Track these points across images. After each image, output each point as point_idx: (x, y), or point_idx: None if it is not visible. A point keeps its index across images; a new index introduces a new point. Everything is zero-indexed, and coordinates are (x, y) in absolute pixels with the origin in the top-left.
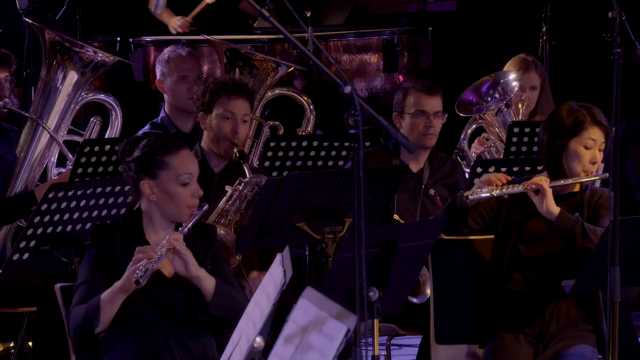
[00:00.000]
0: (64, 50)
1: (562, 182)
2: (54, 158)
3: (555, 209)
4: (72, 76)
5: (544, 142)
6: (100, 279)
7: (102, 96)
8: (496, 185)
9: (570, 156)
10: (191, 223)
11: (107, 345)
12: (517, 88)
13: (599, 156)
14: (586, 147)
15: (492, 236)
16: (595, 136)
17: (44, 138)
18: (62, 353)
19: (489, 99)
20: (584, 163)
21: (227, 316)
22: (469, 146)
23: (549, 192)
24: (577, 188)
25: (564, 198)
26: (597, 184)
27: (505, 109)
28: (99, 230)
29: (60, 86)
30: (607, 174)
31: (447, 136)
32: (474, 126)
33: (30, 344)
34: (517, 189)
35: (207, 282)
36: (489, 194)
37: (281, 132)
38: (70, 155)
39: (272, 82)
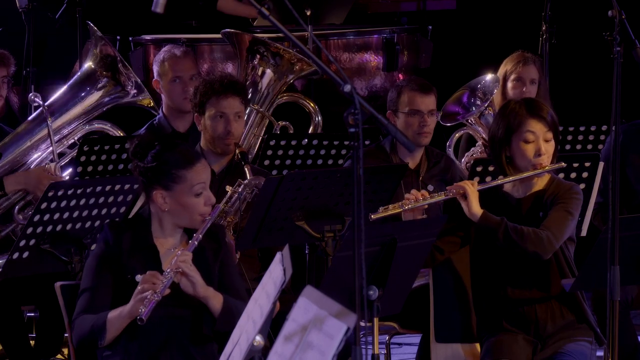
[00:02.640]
0: (115, 68)
1: (491, 183)
2: (45, 155)
3: (478, 211)
4: (100, 95)
5: (488, 139)
6: (105, 285)
7: (109, 127)
8: (410, 200)
9: (514, 153)
10: (201, 233)
11: (109, 346)
12: (496, 89)
13: (546, 147)
14: (527, 142)
15: None
16: (534, 128)
17: (41, 133)
18: (33, 350)
19: (473, 109)
20: (529, 157)
21: (232, 330)
22: (455, 153)
23: (473, 194)
24: (543, 185)
25: (530, 198)
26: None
27: (487, 111)
28: (106, 229)
29: (90, 95)
30: (563, 163)
31: (446, 134)
32: (460, 132)
33: (32, 342)
34: (438, 197)
35: (215, 301)
36: (397, 210)
37: (291, 132)
38: (57, 157)
39: (291, 80)
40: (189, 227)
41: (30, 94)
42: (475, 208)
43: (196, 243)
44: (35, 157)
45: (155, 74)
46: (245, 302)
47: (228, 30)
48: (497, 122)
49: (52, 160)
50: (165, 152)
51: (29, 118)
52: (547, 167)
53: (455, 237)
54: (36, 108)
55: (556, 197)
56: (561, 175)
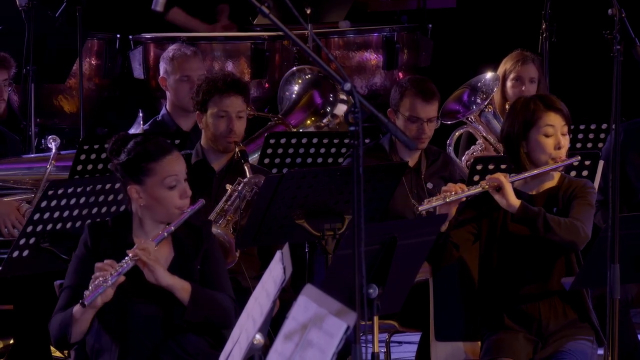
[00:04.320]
0: None
1: (524, 175)
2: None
3: (516, 202)
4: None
5: (502, 137)
6: (83, 285)
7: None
8: (451, 192)
9: (533, 148)
10: (174, 226)
11: (97, 349)
12: (497, 87)
13: (564, 140)
14: (546, 135)
15: None
16: (553, 122)
17: (37, 175)
18: (43, 349)
19: (473, 107)
20: (549, 151)
21: (209, 319)
22: (455, 152)
23: (508, 186)
24: (555, 182)
25: (542, 194)
26: (596, 179)
27: (487, 109)
28: (86, 231)
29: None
30: (579, 157)
31: (446, 133)
32: (460, 131)
33: None
34: (476, 190)
35: (181, 291)
36: (441, 202)
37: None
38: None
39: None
40: (167, 221)
41: (50, 137)
42: (512, 200)
43: (165, 234)
44: (19, 191)
45: (162, 71)
46: (231, 297)
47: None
48: (511, 119)
49: (28, 202)
50: (136, 147)
51: (37, 154)
52: (566, 160)
53: (470, 233)
54: (7, 116)
55: (573, 193)
56: None
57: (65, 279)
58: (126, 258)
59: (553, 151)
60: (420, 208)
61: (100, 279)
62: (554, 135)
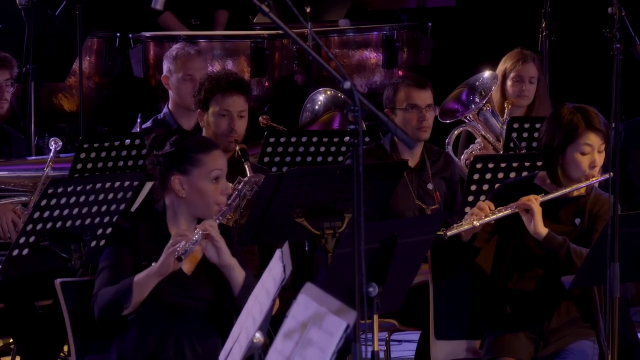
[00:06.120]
0: None
1: (552, 195)
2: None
3: (543, 230)
4: None
5: (541, 146)
6: (125, 262)
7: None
8: (480, 216)
9: (568, 163)
10: (221, 215)
11: (118, 336)
12: (495, 86)
13: (599, 159)
14: (583, 153)
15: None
16: (591, 141)
17: (35, 176)
18: (42, 348)
19: (472, 106)
20: (583, 169)
21: None
22: (455, 151)
23: (538, 213)
24: (581, 191)
25: (568, 202)
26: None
27: (485, 108)
28: (123, 216)
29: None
30: (611, 173)
31: (445, 132)
32: (458, 130)
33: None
34: (505, 212)
35: (238, 273)
36: (470, 226)
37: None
38: (31, 206)
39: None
40: (204, 216)
41: (52, 139)
42: (540, 228)
43: (218, 219)
44: (17, 194)
45: (164, 69)
46: None
47: None
48: (551, 130)
49: (25, 205)
50: (183, 139)
51: (36, 157)
52: (598, 177)
53: (489, 233)
54: (10, 116)
55: (598, 213)
56: None
57: (103, 260)
58: (196, 231)
59: (587, 169)
60: (448, 234)
61: (184, 242)
62: (590, 154)
